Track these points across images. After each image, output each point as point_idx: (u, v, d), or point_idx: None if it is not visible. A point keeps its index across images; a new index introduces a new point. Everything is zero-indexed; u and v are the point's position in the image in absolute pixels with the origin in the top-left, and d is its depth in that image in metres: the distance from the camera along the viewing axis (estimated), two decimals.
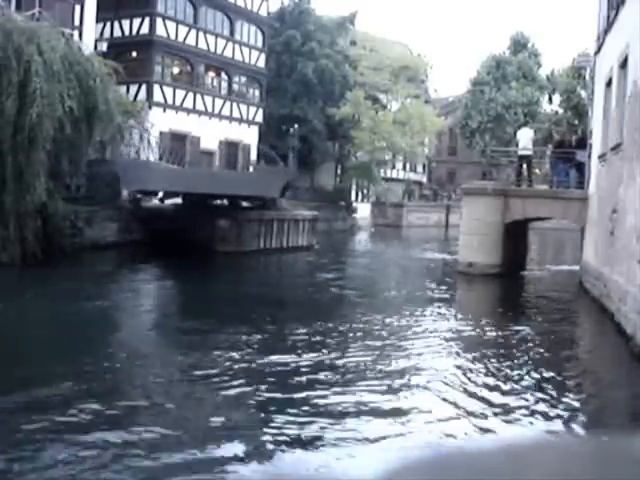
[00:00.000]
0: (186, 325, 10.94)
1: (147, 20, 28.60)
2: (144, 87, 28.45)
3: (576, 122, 38.54)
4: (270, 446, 5.62)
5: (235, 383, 7.42)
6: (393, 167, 53.54)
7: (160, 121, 28.01)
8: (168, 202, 24.01)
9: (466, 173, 51.44)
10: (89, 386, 6.99)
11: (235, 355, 8.62)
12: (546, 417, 6.55)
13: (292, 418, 6.25)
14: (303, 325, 10.97)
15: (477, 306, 15.06)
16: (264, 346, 9.14)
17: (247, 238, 22.41)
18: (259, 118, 34.47)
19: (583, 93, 38.84)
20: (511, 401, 7.04)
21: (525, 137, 20.00)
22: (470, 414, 6.53)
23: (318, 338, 9.74)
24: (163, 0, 28.78)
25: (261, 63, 34.30)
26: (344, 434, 5.84)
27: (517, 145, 20.50)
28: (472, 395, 7.26)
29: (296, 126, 36.51)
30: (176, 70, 30.76)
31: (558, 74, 49.22)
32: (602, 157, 14.50)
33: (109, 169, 21.49)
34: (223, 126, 31.88)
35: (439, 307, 13.31)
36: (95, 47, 24.10)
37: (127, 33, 29.07)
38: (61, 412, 6.13)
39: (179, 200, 23.83)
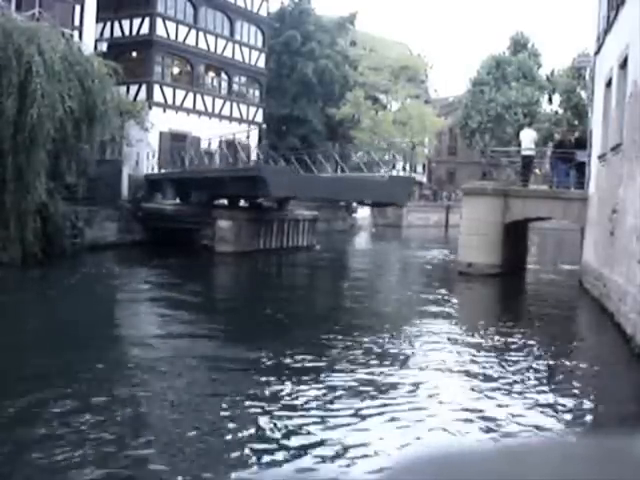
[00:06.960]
0: (184, 325, 10.93)
1: (147, 20, 28.58)
2: (144, 87, 28.43)
3: (576, 122, 38.55)
4: (270, 447, 5.62)
5: (234, 384, 7.43)
6: (393, 167, 53.52)
7: (160, 121, 28.02)
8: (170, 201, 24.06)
9: (466, 173, 51.38)
10: (80, 387, 7.01)
11: (234, 357, 8.62)
12: (546, 417, 6.55)
13: (292, 419, 6.25)
14: (302, 328, 10.97)
15: (477, 307, 15.06)
16: (264, 349, 9.13)
17: (247, 238, 22.38)
18: (259, 118, 34.46)
19: (583, 93, 38.87)
20: (511, 402, 7.04)
21: (528, 138, 19.98)
22: (470, 414, 6.53)
23: (318, 340, 9.74)
24: (163, 0, 28.77)
25: (261, 63, 34.28)
26: (344, 435, 5.84)
27: (519, 145, 20.51)
28: (472, 395, 7.26)
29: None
30: (176, 70, 30.74)
31: (558, 74, 49.28)
32: (602, 157, 14.49)
33: (110, 169, 21.46)
34: (223, 126, 31.86)
35: (439, 308, 13.29)
36: (95, 47, 24.08)
37: (127, 33, 29.05)
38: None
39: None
